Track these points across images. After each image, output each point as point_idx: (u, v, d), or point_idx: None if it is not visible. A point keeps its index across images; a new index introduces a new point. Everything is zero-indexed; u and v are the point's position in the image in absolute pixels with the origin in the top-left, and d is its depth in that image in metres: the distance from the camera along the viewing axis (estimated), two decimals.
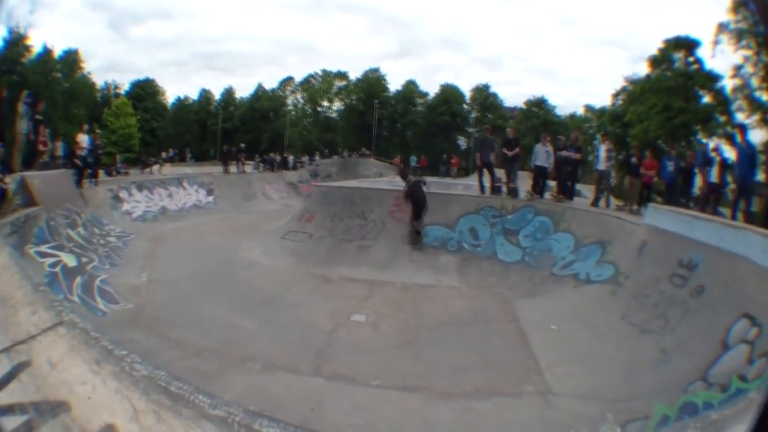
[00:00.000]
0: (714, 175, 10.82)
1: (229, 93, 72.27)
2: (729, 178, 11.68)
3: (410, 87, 69.86)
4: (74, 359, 2.63)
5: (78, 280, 8.32)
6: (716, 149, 13.88)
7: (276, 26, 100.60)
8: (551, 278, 10.41)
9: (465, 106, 67.92)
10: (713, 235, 7.07)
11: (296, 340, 7.42)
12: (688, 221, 8.00)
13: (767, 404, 1.50)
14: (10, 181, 8.62)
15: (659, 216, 9.17)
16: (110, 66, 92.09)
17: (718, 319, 5.56)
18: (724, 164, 11.13)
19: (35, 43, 48.58)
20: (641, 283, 8.03)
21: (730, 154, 11.74)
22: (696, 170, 11.78)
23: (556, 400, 5.65)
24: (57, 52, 52.47)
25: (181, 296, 9.33)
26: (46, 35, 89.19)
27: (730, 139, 16.23)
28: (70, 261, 8.89)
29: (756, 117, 34.04)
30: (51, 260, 8.16)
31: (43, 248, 8.26)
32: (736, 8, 33.65)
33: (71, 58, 54.46)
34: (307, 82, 72.24)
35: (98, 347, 2.78)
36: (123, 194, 16.45)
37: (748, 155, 9.57)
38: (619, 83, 50.71)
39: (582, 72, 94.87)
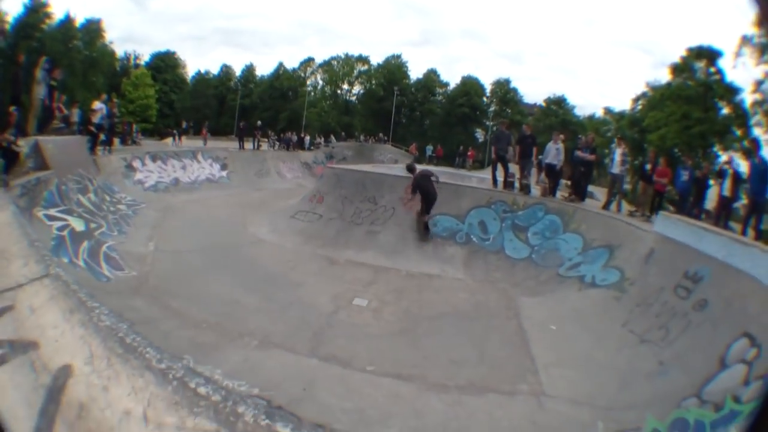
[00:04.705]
0: (726, 188, 10.62)
1: (249, 70, 72.04)
2: (741, 193, 11.47)
3: (431, 76, 69.07)
4: (51, 307, 2.92)
5: (85, 244, 8.41)
6: (729, 162, 13.64)
7: (297, 6, 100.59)
8: (557, 278, 10.24)
9: (485, 99, 67.03)
10: (721, 249, 6.91)
11: (296, 319, 7.45)
12: (698, 233, 7.82)
13: (763, 405, 1.47)
14: (24, 145, 8.67)
15: (670, 225, 8.95)
16: (128, 37, 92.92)
17: (719, 336, 5.44)
18: (737, 178, 10.93)
19: (57, 11, 50.51)
20: (645, 292, 7.86)
21: (745, 168, 11.57)
22: (710, 182, 11.64)
23: (549, 403, 5.60)
24: (79, 20, 53.65)
25: (186, 268, 9.40)
26: (69, 4, 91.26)
27: (747, 154, 15.99)
28: (78, 225, 8.94)
29: None
30: (59, 224, 8.26)
31: (52, 212, 8.36)
32: (760, 23, 32.88)
33: (93, 28, 55.21)
34: (328, 64, 71.61)
35: (74, 298, 3.05)
36: (136, 163, 16.42)
37: (761, 171, 9.37)
38: (640, 88, 50.73)
39: (602, 73, 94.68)
